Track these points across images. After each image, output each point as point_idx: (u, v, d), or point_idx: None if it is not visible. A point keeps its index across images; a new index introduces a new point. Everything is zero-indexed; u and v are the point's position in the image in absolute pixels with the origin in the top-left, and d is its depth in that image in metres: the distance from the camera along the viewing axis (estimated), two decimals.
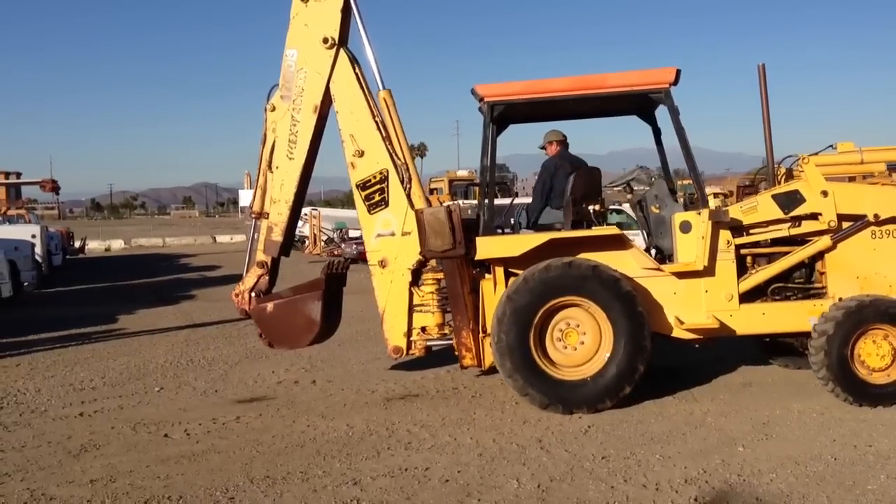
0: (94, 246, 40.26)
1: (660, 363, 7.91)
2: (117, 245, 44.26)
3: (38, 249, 18.98)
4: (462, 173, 34.38)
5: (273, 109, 7.78)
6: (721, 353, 8.11)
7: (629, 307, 6.61)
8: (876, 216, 6.88)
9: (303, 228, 35.21)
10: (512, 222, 8.40)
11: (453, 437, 6.14)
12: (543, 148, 8.34)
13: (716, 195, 15.44)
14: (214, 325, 12.45)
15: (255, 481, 5.25)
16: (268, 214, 7.90)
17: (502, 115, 7.50)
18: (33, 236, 19.35)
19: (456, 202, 7.15)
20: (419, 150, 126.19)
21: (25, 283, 16.70)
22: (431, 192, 29.78)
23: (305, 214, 34.75)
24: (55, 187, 29.61)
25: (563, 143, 8.23)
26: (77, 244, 31.84)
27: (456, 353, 7.25)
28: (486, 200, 7.24)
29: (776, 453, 5.52)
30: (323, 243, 29.00)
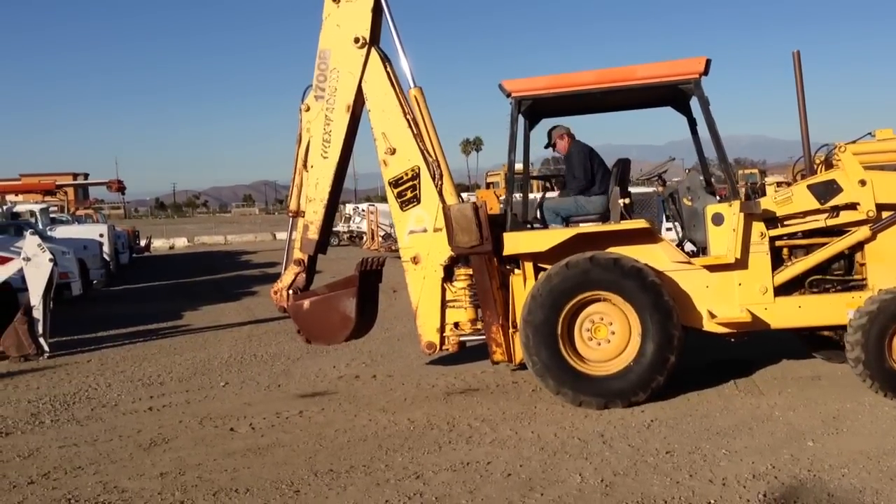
0: (159, 244, 41.25)
1: (724, 356, 7.79)
2: (181, 243, 45.28)
3: (105, 248, 19.58)
4: (518, 167, 34.15)
5: (307, 109, 7.86)
6: (788, 345, 7.92)
7: (654, 297, 6.53)
8: None
9: (361, 224, 35.54)
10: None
11: (514, 431, 6.12)
12: (553, 146, 8.17)
13: (779, 184, 15.08)
14: (276, 321, 12.62)
15: (319, 475, 5.32)
16: (304, 213, 7.99)
17: (532, 110, 7.47)
18: (101, 235, 19.94)
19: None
20: (474, 145, 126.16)
21: (94, 281, 17.24)
22: (488, 185, 29.67)
23: (363, 210, 35.07)
24: (121, 187, 30.44)
25: (571, 134, 8.11)
26: (143, 243, 32.70)
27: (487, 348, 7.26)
28: (514, 195, 7.21)
29: (847, 448, 5.37)
30: (381, 238, 29.16)
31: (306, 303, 7.82)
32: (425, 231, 7.46)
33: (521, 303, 6.91)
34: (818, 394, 6.65)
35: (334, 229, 37.68)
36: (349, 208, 40.34)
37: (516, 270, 7.23)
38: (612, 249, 6.82)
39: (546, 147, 8.28)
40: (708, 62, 6.89)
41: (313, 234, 7.93)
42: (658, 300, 6.54)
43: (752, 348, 7.93)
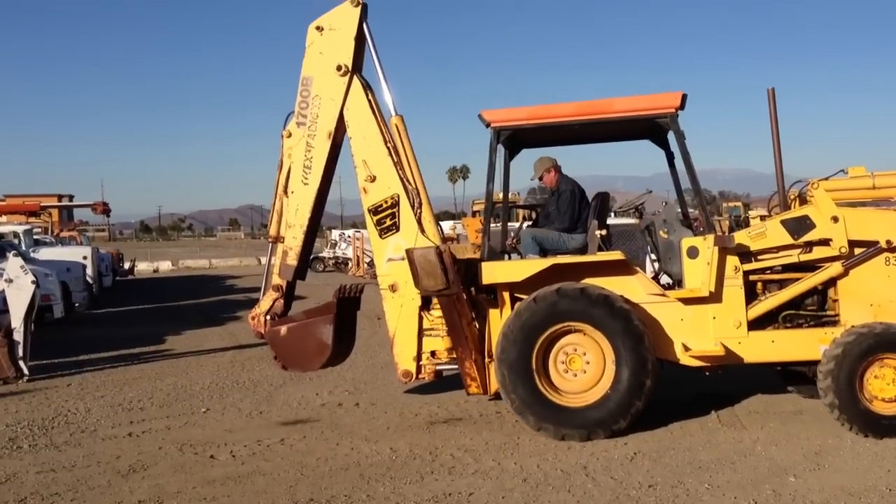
0: (143, 267, 40.96)
1: (707, 389, 7.81)
2: (165, 266, 44.97)
3: (89, 271, 19.42)
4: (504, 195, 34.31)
5: (289, 136, 7.89)
6: (770, 379, 7.94)
7: (624, 323, 6.56)
8: (888, 242, 6.71)
9: (346, 250, 35.50)
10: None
11: (497, 462, 6.10)
12: (540, 178, 8.14)
13: (762, 217, 15.19)
14: (259, 346, 12.49)
15: None
16: (283, 239, 8.00)
17: (512, 140, 7.54)
18: (85, 258, 19.78)
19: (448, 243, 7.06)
20: (461, 173, 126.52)
21: (77, 304, 17.08)
22: (474, 213, 29.78)
23: (349, 237, 35.05)
24: (106, 210, 30.36)
25: (558, 167, 8.12)
26: (126, 265, 32.44)
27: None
28: (494, 225, 7.23)
29: (829, 484, 5.39)
30: (367, 265, 29.15)
31: (283, 329, 7.80)
32: (403, 259, 7.48)
33: (497, 331, 6.92)
34: (800, 429, 6.67)
35: (320, 255, 37.78)
36: (335, 234, 40.32)
37: (493, 299, 7.25)
38: (587, 280, 6.85)
39: (532, 179, 8.30)
40: (684, 97, 6.98)
41: (292, 260, 7.94)
42: (628, 325, 6.57)
43: (735, 382, 7.96)
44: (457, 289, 6.83)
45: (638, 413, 6.58)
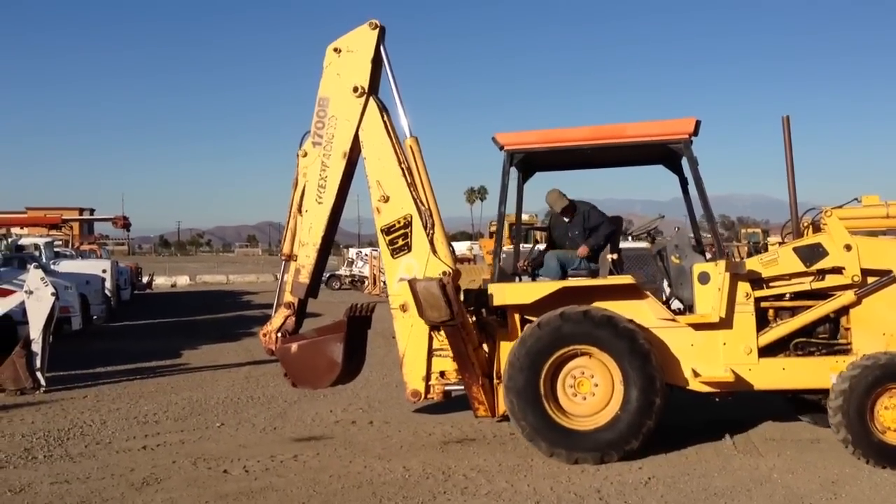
0: (161, 282, 41.26)
1: (723, 415, 7.73)
2: (183, 281, 45.30)
3: (108, 284, 19.59)
4: (524, 217, 34.36)
5: (305, 155, 7.95)
6: (786, 407, 7.87)
7: (629, 343, 6.54)
8: None
9: (363, 269, 35.60)
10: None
11: (510, 483, 6.07)
12: (561, 213, 8.09)
13: (781, 243, 15.10)
14: (274, 362, 12.49)
15: None
16: (296, 256, 8.04)
17: (525, 163, 7.57)
18: (104, 271, 19.96)
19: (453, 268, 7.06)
20: (479, 194, 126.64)
21: (95, 317, 17.22)
22: (492, 235, 29.77)
23: (366, 255, 35.16)
24: (126, 224, 30.56)
25: (566, 197, 8.08)
26: (145, 280, 32.68)
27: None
28: (511, 247, 7.22)
29: None
30: (382, 284, 29.19)
31: (294, 346, 7.82)
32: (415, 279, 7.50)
33: (507, 352, 6.91)
34: (817, 457, 6.59)
35: (336, 273, 37.87)
36: (352, 252, 40.45)
37: (502, 321, 7.26)
38: (597, 304, 6.84)
39: (549, 213, 8.32)
40: (698, 123, 6.98)
41: (304, 278, 7.98)
42: (634, 345, 6.55)
43: (751, 408, 7.90)
44: (461, 319, 6.79)
45: (650, 433, 6.54)
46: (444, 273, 7.07)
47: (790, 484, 5.96)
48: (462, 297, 7.55)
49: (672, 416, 7.76)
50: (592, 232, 7.86)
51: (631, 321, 6.70)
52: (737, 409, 7.80)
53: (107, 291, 19.27)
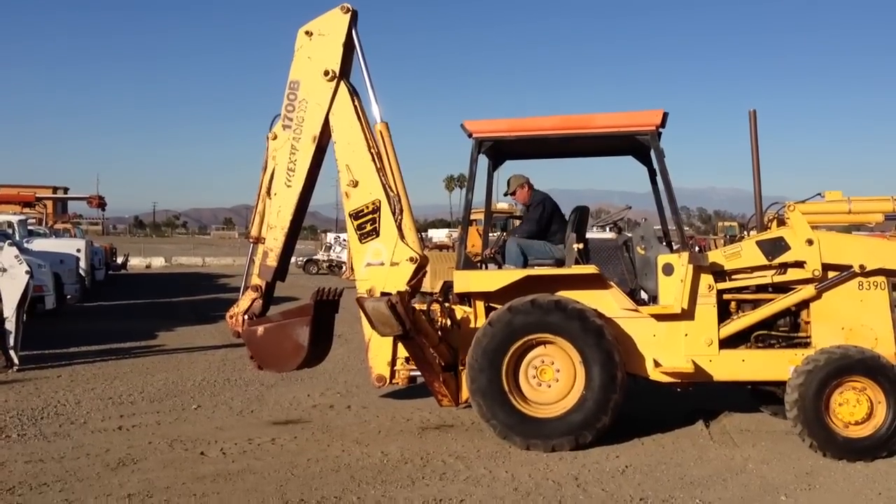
0: (136, 263, 40.83)
1: (699, 405, 7.80)
2: (158, 262, 44.88)
3: (82, 264, 19.33)
4: (502, 206, 34.42)
5: (275, 138, 7.93)
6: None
7: (596, 339, 6.57)
8: (862, 267, 6.75)
9: (341, 254, 35.49)
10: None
11: (489, 469, 6.09)
12: (513, 194, 8.26)
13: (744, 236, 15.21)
14: None
15: None
16: (265, 239, 8.02)
17: (494, 151, 7.58)
18: (78, 251, 19.68)
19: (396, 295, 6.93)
20: (458, 182, 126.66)
21: (68, 297, 17.00)
22: (471, 223, 29.76)
23: (345, 240, 35.02)
24: (101, 203, 30.21)
25: (531, 184, 8.21)
26: (119, 260, 32.33)
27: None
28: (483, 234, 7.25)
29: None
30: None
31: (260, 329, 7.78)
32: (382, 264, 7.50)
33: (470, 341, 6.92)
34: (791, 448, 6.66)
35: (314, 257, 37.73)
36: (330, 237, 40.31)
37: (467, 308, 7.28)
38: (561, 293, 6.87)
39: (506, 195, 8.38)
40: (665, 115, 7.01)
41: (272, 261, 7.95)
42: (585, 324, 6.58)
43: (726, 399, 7.97)
44: (415, 333, 6.71)
45: (618, 407, 6.56)
46: (396, 292, 6.80)
47: (765, 474, 6.03)
48: (442, 290, 7.57)
49: (649, 405, 7.85)
50: (523, 223, 7.92)
51: (579, 302, 6.73)
52: (712, 399, 7.88)
53: (81, 271, 19.02)
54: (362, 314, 7.37)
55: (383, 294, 7.05)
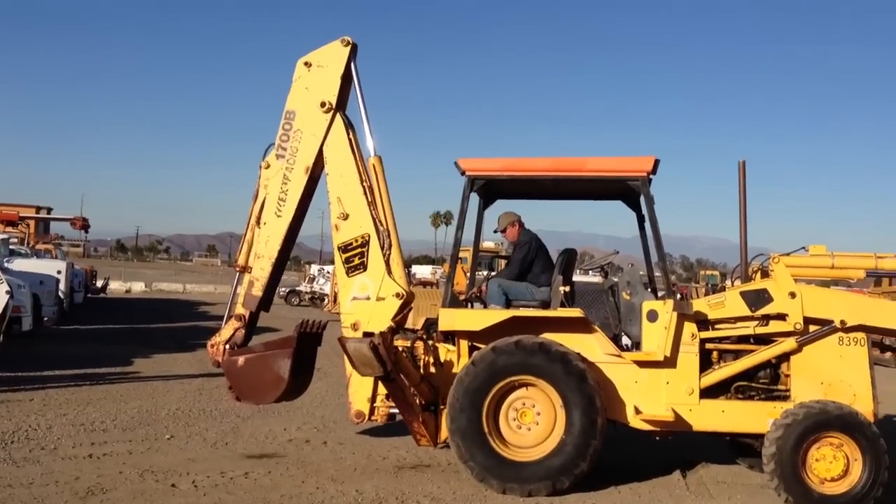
0: (116, 287, 40.51)
1: (676, 455, 7.78)
2: (138, 287, 44.56)
3: (62, 286, 19.13)
4: (488, 244, 34.50)
5: (267, 167, 7.95)
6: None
7: (578, 383, 6.55)
8: (843, 322, 6.81)
9: (324, 286, 35.36)
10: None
11: None
12: (503, 231, 8.24)
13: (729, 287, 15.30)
14: None
15: None
16: (251, 269, 7.98)
17: (486, 190, 7.62)
18: (59, 272, 19.49)
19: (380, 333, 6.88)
20: (444, 218, 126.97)
21: (46, 318, 16.81)
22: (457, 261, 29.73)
23: (328, 272, 34.95)
24: (85, 225, 29.99)
25: (521, 222, 8.21)
26: (99, 283, 32.06)
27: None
28: (470, 273, 7.25)
29: None
30: None
31: (241, 359, 7.72)
32: (368, 299, 7.48)
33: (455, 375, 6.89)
34: (767, 502, 6.63)
35: (297, 289, 37.54)
36: (314, 269, 40.20)
37: (450, 347, 7.25)
38: (546, 335, 6.86)
39: (495, 232, 8.40)
40: (656, 162, 7.09)
41: (258, 290, 7.92)
42: (568, 367, 6.56)
43: (705, 449, 7.95)
44: (396, 374, 6.69)
45: (597, 453, 6.52)
46: (378, 333, 6.75)
47: None
48: (424, 327, 7.55)
49: (625, 453, 7.81)
50: (509, 264, 7.92)
51: (562, 346, 6.72)
52: (691, 449, 7.85)
53: (60, 293, 18.82)
54: (344, 333, 7.36)
55: (365, 335, 7.03)
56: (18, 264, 18.94)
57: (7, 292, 9.88)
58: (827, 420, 6.39)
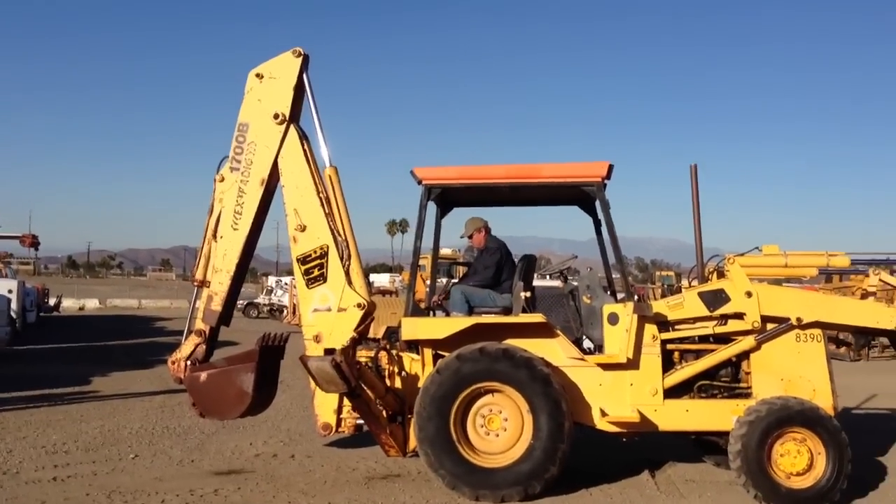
0: (69, 304, 39.72)
1: (643, 456, 7.86)
2: (92, 304, 43.78)
3: (13, 305, 18.73)
4: (445, 251, 34.56)
5: (222, 180, 7.90)
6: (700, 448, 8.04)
7: (543, 387, 6.61)
8: (799, 319, 6.98)
9: (283, 297, 35.08)
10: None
11: None
12: (469, 237, 8.25)
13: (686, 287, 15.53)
14: None
15: None
16: (209, 283, 7.92)
17: (443, 198, 7.66)
18: (10, 291, 19.12)
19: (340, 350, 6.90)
20: (400, 226, 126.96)
21: None
22: (417, 269, 29.74)
23: (286, 284, 34.68)
24: (35, 243, 29.27)
25: (488, 228, 8.24)
26: (52, 302, 31.42)
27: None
28: (427, 281, 7.25)
29: None
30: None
31: (203, 375, 7.63)
32: (329, 310, 7.45)
33: (420, 384, 6.93)
34: (736, 499, 6.74)
35: (255, 301, 37.21)
36: (271, 280, 39.86)
37: (415, 356, 7.27)
38: (509, 341, 6.90)
39: (462, 237, 8.40)
40: (611, 167, 7.20)
41: (217, 305, 7.85)
42: (533, 372, 6.61)
43: (670, 449, 8.05)
44: (360, 390, 6.70)
45: (565, 456, 6.58)
46: (339, 350, 6.73)
47: None
48: (385, 335, 7.53)
49: (594, 455, 7.87)
50: (480, 270, 7.93)
51: (526, 351, 6.77)
52: (655, 449, 7.94)
53: (12, 313, 18.41)
54: (310, 351, 7.32)
55: (327, 351, 7.00)
56: None
57: None
58: (789, 415, 6.52)
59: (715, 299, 7.06)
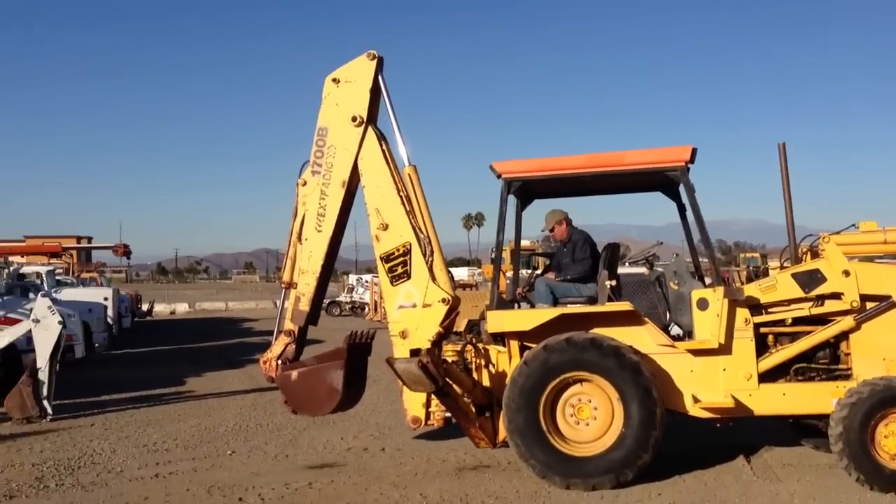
0: (160, 309, 41.11)
1: (738, 441, 7.69)
2: (182, 308, 45.17)
3: (110, 312, 19.52)
4: (525, 243, 34.34)
5: (304, 184, 8.00)
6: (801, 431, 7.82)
7: (633, 375, 6.51)
8: None
9: (364, 295, 35.54)
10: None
11: None
12: (550, 230, 8.23)
13: (780, 269, 15.09)
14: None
15: None
16: (296, 284, 8.05)
17: (523, 191, 7.60)
18: (106, 299, 19.90)
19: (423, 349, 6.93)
20: (476, 220, 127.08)
21: (97, 345, 17.13)
22: (500, 263, 29.74)
23: (367, 282, 35.13)
24: (127, 252, 30.59)
25: (569, 220, 8.19)
26: (145, 307, 32.58)
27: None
28: (509, 274, 7.21)
29: None
30: (383, 309, 29.14)
31: (294, 373, 7.79)
32: (414, 306, 7.48)
33: (508, 376, 6.91)
34: (837, 482, 6.53)
35: (337, 299, 37.77)
36: (352, 279, 40.41)
37: (501, 348, 7.25)
38: (596, 330, 6.83)
39: (543, 231, 8.34)
40: (694, 151, 7.02)
41: (304, 305, 7.98)
42: (622, 361, 6.53)
43: (767, 433, 7.85)
44: (448, 388, 6.71)
45: (658, 444, 6.49)
46: (425, 350, 6.85)
47: None
48: (467, 329, 7.55)
49: (688, 440, 7.73)
50: (572, 264, 7.87)
51: (614, 339, 6.69)
52: (748, 433, 7.75)
53: (109, 319, 19.22)
54: (397, 350, 7.40)
55: (412, 353, 7.06)
56: (66, 294, 19.39)
57: (59, 322, 10.05)
58: (893, 396, 6.28)
59: (810, 280, 6.85)
